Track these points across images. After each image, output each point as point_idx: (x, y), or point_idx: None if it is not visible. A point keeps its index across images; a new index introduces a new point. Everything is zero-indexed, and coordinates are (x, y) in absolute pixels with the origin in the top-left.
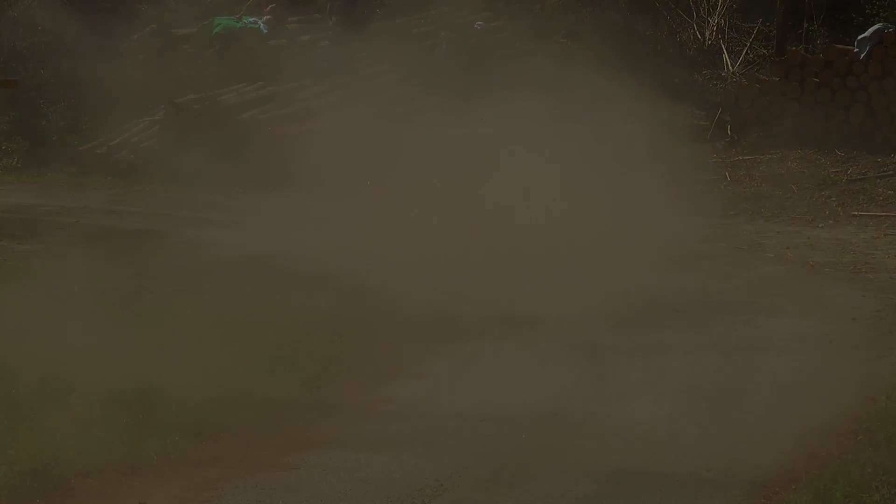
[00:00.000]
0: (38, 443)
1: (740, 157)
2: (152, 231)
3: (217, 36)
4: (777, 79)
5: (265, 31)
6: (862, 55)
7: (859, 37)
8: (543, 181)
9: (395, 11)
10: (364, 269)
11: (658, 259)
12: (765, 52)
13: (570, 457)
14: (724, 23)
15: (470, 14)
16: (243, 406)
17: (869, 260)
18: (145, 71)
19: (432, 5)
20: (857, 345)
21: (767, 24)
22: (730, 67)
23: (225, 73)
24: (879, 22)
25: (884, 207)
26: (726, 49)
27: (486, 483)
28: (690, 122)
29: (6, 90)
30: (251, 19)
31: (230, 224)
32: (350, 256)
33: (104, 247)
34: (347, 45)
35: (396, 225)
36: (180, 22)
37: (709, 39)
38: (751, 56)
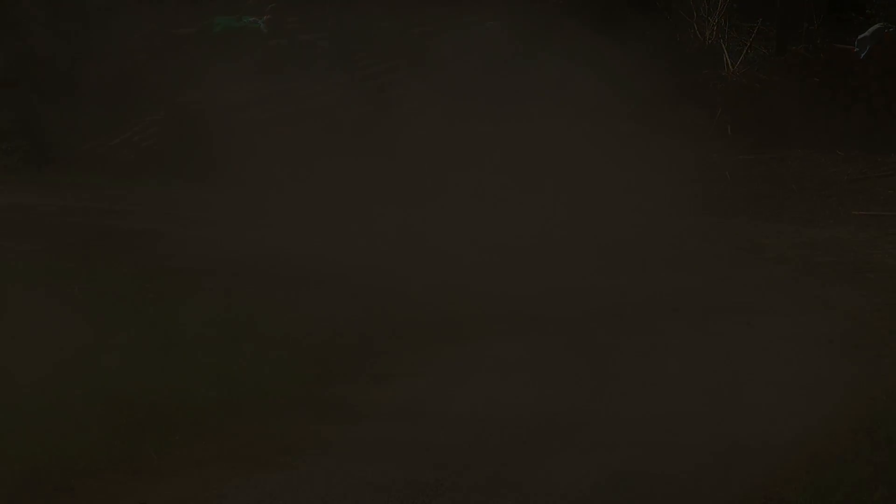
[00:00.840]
0: (38, 443)
1: (740, 157)
2: (152, 231)
3: (217, 36)
4: (777, 78)
5: (265, 31)
6: (862, 55)
7: (859, 36)
8: (542, 180)
9: (397, 10)
10: (363, 267)
11: (658, 258)
12: (765, 51)
13: (570, 457)
14: (725, 22)
15: (471, 14)
16: (243, 406)
17: (869, 260)
18: (145, 71)
19: (434, 4)
20: (857, 345)
21: (767, 23)
22: (730, 67)
23: (225, 73)
24: (879, 22)
25: (884, 207)
26: (726, 48)
27: (486, 483)
28: (690, 122)
29: (6, 90)
30: (251, 19)
31: (230, 224)
32: (349, 255)
33: (104, 247)
34: (347, 45)
35: (395, 224)
36: (180, 22)
37: (709, 39)
38: (751, 56)
